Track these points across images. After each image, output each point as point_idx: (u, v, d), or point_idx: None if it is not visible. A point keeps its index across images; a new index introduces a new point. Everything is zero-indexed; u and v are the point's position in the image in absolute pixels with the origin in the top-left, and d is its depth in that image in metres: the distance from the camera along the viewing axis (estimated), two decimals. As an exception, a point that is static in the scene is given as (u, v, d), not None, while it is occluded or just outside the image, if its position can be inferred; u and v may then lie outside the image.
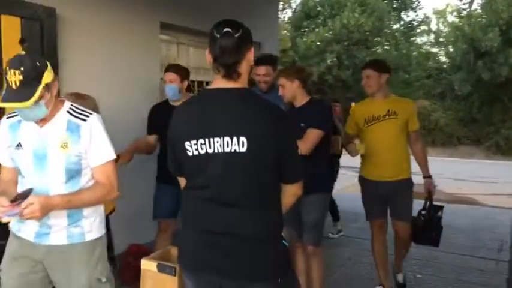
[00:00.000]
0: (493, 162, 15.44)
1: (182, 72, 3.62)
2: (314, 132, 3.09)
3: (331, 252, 4.91)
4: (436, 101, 19.61)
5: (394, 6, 22.91)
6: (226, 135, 1.73)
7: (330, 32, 19.50)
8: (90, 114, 2.08)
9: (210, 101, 1.83)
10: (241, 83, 1.82)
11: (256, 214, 1.79)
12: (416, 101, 19.01)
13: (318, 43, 19.59)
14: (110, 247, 3.08)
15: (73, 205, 2.02)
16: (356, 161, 3.77)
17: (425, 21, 23.23)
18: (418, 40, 23.35)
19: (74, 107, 2.08)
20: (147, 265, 2.51)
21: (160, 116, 3.56)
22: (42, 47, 3.58)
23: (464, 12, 20.74)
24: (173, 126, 1.88)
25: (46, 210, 1.89)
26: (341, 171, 5.76)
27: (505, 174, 12.07)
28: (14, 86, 1.82)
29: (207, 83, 5.65)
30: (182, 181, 1.97)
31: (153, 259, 2.53)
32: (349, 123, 3.73)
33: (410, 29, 23.21)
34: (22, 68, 1.81)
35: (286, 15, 24.13)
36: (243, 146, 1.71)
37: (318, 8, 21.28)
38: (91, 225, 2.12)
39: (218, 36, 1.75)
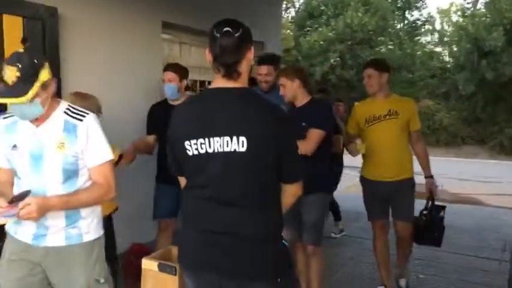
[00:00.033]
0: (497, 162, 15.38)
1: (181, 71, 3.62)
2: (316, 132, 3.09)
3: (333, 252, 4.90)
4: (440, 100, 19.56)
5: (398, 5, 22.90)
6: (226, 135, 1.72)
7: (333, 32, 19.48)
8: (87, 114, 2.07)
9: (210, 100, 1.83)
10: (241, 83, 1.82)
11: (256, 214, 1.79)
12: (420, 101, 19.02)
13: (321, 42, 19.56)
14: (112, 246, 3.09)
15: (71, 206, 2.01)
16: (358, 160, 3.77)
17: (430, 20, 23.20)
18: (422, 39, 23.31)
19: (71, 107, 2.07)
20: (148, 264, 2.52)
21: (159, 116, 3.56)
22: (44, 47, 3.59)
23: (469, 12, 20.68)
24: (173, 126, 1.88)
25: (43, 210, 1.88)
26: (344, 171, 5.76)
27: (509, 174, 12.01)
28: (10, 82, 1.81)
29: (209, 83, 5.64)
30: (182, 181, 1.96)
31: (153, 258, 2.54)
32: (350, 123, 3.71)
33: (414, 29, 23.20)
34: (19, 65, 1.81)
35: (289, 14, 24.16)
36: (242, 145, 1.70)
37: (322, 8, 21.28)
38: (89, 226, 2.11)
39: (218, 35, 1.75)
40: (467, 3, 21.42)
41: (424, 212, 3.61)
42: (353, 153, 3.59)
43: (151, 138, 3.69)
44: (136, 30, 4.56)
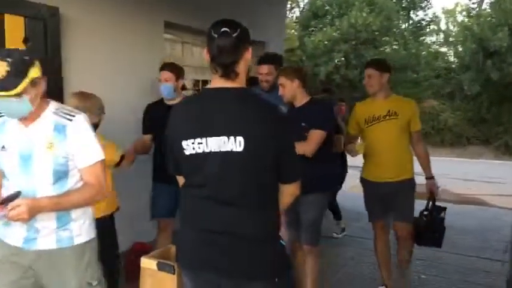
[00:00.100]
0: (502, 162, 15.30)
1: (177, 71, 3.61)
2: (317, 133, 3.09)
3: (334, 252, 4.91)
4: (444, 101, 19.49)
5: (403, 5, 22.81)
6: (223, 135, 1.73)
7: (338, 32, 19.43)
8: (77, 114, 2.04)
9: (207, 100, 1.84)
10: (239, 83, 1.82)
11: (254, 214, 1.80)
12: (425, 101, 18.96)
13: (326, 42, 19.51)
14: (114, 245, 3.11)
15: (61, 207, 1.98)
16: (360, 160, 3.76)
17: (435, 20, 23.11)
18: (427, 40, 23.23)
19: (60, 107, 2.05)
20: (147, 263, 2.51)
21: (155, 115, 3.57)
22: (45, 46, 3.61)
23: (474, 12, 20.59)
24: (171, 126, 1.88)
25: (34, 212, 1.86)
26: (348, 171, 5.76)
27: (514, 174, 11.95)
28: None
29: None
30: (180, 180, 1.98)
31: (152, 257, 2.53)
32: (350, 123, 3.70)
33: (419, 29, 23.10)
34: (9, 59, 1.81)
35: (294, 14, 24.13)
36: (239, 145, 1.71)
37: (326, 8, 21.20)
38: (80, 229, 2.09)
39: (216, 36, 1.76)
40: (473, 3, 21.36)
41: (425, 213, 3.59)
42: (352, 153, 3.58)
43: (147, 138, 3.69)
44: (138, 30, 4.57)
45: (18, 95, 1.82)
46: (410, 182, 3.51)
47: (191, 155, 1.78)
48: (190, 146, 1.77)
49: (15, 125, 1.99)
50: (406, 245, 3.60)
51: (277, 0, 7.36)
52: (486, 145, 17.89)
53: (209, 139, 1.75)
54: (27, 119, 1.96)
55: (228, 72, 1.79)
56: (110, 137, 3.05)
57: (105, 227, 2.95)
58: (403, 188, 3.47)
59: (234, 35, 1.76)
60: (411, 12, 23.37)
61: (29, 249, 2.01)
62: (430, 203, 3.60)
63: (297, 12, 24.21)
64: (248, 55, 1.84)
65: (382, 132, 3.42)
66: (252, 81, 4.21)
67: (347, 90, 17.70)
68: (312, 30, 21.21)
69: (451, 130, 18.41)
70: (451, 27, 21.73)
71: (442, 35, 22.40)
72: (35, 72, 1.88)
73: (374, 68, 3.44)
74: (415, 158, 3.57)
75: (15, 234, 2.02)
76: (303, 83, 3.17)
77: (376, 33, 19.54)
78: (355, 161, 4.79)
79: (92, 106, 2.94)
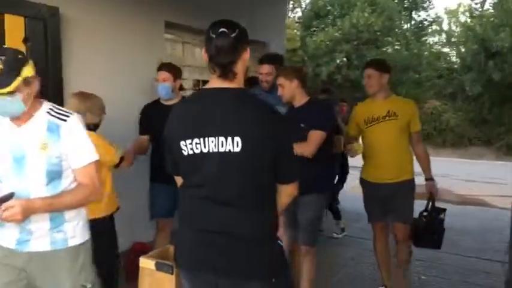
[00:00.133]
0: (503, 163, 15.24)
1: (175, 71, 3.61)
2: (317, 133, 3.09)
3: (335, 252, 4.91)
4: (446, 101, 19.47)
5: (405, 5, 22.79)
6: (221, 135, 1.73)
7: (340, 32, 19.43)
8: (71, 114, 2.03)
9: (205, 100, 1.84)
10: (237, 83, 1.83)
11: (252, 214, 1.80)
12: (427, 101, 18.95)
13: (328, 43, 19.51)
14: (114, 245, 3.11)
15: (55, 208, 1.96)
16: (360, 161, 3.75)
17: (437, 20, 23.09)
18: (429, 40, 23.21)
19: (54, 107, 2.03)
20: (145, 263, 2.51)
21: (152, 116, 3.56)
22: (45, 46, 3.61)
23: (477, 12, 20.56)
24: (169, 126, 1.89)
25: (27, 213, 1.84)
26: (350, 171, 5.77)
27: (516, 175, 11.93)
28: None
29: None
30: (179, 180, 1.98)
31: (151, 257, 2.53)
32: (350, 124, 3.68)
33: (421, 29, 23.07)
34: (2, 58, 1.80)
35: (296, 14, 24.14)
36: (237, 146, 1.71)
37: (328, 8, 21.22)
38: (74, 230, 2.07)
39: (214, 36, 1.77)
40: (475, 3, 21.32)
41: (424, 214, 3.57)
42: (350, 154, 3.57)
43: (145, 138, 3.69)
44: (138, 30, 4.57)
45: (11, 93, 1.81)
46: (410, 183, 3.49)
47: (189, 155, 1.79)
48: (189, 147, 1.78)
49: (8, 126, 1.98)
50: (405, 246, 3.58)
51: (278, 0, 7.35)
52: (488, 146, 17.87)
53: (207, 139, 1.75)
54: (19, 119, 1.95)
55: (226, 72, 1.79)
56: (110, 137, 3.05)
57: (105, 227, 2.97)
58: (403, 189, 3.45)
59: (232, 35, 1.76)
60: (413, 12, 23.33)
61: (22, 251, 1.99)
62: (430, 204, 3.58)
63: (299, 12, 24.24)
64: (246, 55, 1.84)
65: (381, 133, 3.41)
66: (252, 81, 4.22)
67: (349, 91, 17.69)
68: (314, 31, 21.21)
69: (452, 131, 18.40)
70: (454, 28, 21.72)
71: (444, 36, 22.39)
72: (28, 71, 1.88)
73: (374, 69, 3.42)
74: (415, 158, 3.56)
75: (7, 236, 2.00)
76: (302, 83, 3.17)
77: (378, 33, 19.54)
78: (356, 162, 4.80)
79: (92, 106, 2.95)
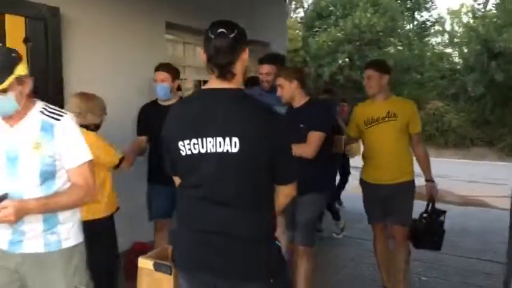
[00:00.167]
0: (505, 164, 15.23)
1: (173, 71, 3.60)
2: (316, 135, 3.08)
3: (335, 253, 4.91)
4: (449, 102, 19.45)
5: (408, 6, 22.77)
6: (218, 136, 1.73)
7: (342, 32, 19.45)
8: (65, 113, 2.01)
9: (203, 101, 1.84)
10: (235, 84, 1.83)
11: (249, 214, 1.80)
12: (429, 102, 18.92)
13: (330, 43, 19.54)
14: (114, 245, 3.12)
15: (49, 209, 1.94)
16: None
17: (439, 21, 23.06)
18: (432, 40, 23.18)
19: (47, 106, 2.01)
20: (144, 263, 2.51)
21: (150, 116, 3.56)
22: (46, 47, 3.62)
23: (479, 13, 20.52)
24: (167, 126, 1.89)
25: (21, 214, 1.82)
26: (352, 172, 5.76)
27: (518, 176, 11.91)
28: None
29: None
30: (177, 180, 1.97)
31: (149, 257, 2.54)
32: (350, 125, 3.67)
33: (423, 30, 23.05)
34: None
35: (298, 15, 24.14)
36: (235, 146, 1.71)
37: (330, 8, 21.25)
38: (68, 232, 2.04)
39: (212, 36, 1.77)
40: (478, 4, 21.30)
41: (424, 215, 3.55)
42: (350, 154, 3.56)
43: (143, 139, 3.67)
44: (139, 31, 4.58)
45: (4, 90, 1.80)
46: (410, 185, 3.47)
47: (187, 155, 1.79)
48: (187, 147, 1.78)
49: (0, 126, 1.96)
50: (403, 248, 3.54)
51: (278, 0, 7.35)
52: (490, 147, 17.84)
53: (205, 140, 1.75)
54: (12, 118, 1.93)
55: (224, 72, 1.79)
56: (110, 137, 3.05)
57: (105, 227, 2.98)
58: (402, 191, 3.42)
59: (231, 35, 1.76)
60: (416, 13, 23.33)
61: (15, 252, 1.96)
62: (430, 205, 3.57)
63: (301, 12, 24.24)
64: (245, 56, 1.84)
65: (381, 134, 3.39)
66: (252, 81, 4.21)
67: (351, 91, 17.69)
68: (316, 31, 21.23)
69: (455, 131, 18.37)
70: (456, 28, 21.70)
71: (446, 36, 22.36)
72: (21, 69, 1.86)
73: (374, 69, 3.40)
74: (415, 159, 3.55)
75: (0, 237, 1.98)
76: (302, 83, 3.16)
77: (381, 34, 19.55)
78: (358, 162, 4.79)
79: (94, 107, 2.94)
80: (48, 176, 1.95)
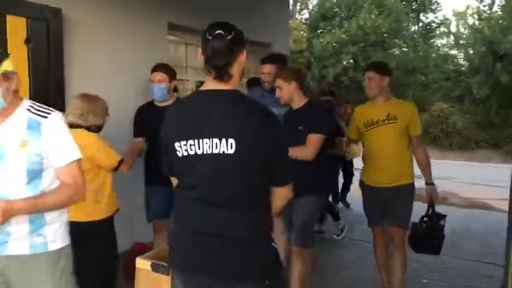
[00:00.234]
0: (511, 166, 15.14)
1: (171, 72, 3.59)
2: (315, 137, 3.08)
3: (335, 254, 4.91)
4: (453, 104, 19.37)
5: (413, 7, 22.73)
6: (215, 137, 1.74)
7: (346, 33, 19.43)
8: (52, 111, 1.96)
9: (200, 102, 1.84)
10: (232, 85, 1.83)
11: (245, 215, 1.80)
12: (434, 104, 18.85)
13: (334, 44, 19.52)
14: (113, 246, 3.12)
15: (38, 209, 1.89)
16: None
17: (445, 23, 22.99)
18: (437, 42, 23.12)
19: (34, 104, 1.96)
20: (142, 264, 2.52)
21: (146, 117, 3.54)
22: (48, 47, 3.63)
23: (485, 15, 20.45)
24: (165, 127, 1.89)
25: (8, 215, 1.78)
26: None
27: (523, 178, 11.82)
28: None
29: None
30: (174, 181, 1.98)
31: (147, 258, 2.54)
32: (350, 127, 3.65)
33: (429, 31, 22.99)
34: None
35: (303, 16, 24.14)
36: (231, 147, 1.72)
37: (335, 9, 21.24)
38: (55, 234, 1.99)
39: (210, 38, 1.77)
40: (484, 5, 21.21)
41: (425, 219, 3.52)
42: (349, 156, 3.55)
43: (139, 140, 3.62)
44: (141, 32, 4.58)
45: None
46: (410, 187, 3.44)
47: (184, 156, 1.79)
48: (183, 148, 1.78)
49: None
50: (399, 250, 3.51)
51: (281, 1, 7.35)
52: (495, 149, 17.74)
53: (201, 141, 1.75)
54: None
55: (221, 74, 1.79)
56: (111, 138, 3.06)
57: (105, 228, 2.99)
58: (402, 194, 3.40)
59: (228, 37, 1.77)
60: (421, 14, 23.27)
61: (0, 254, 1.91)
62: (430, 209, 3.54)
63: (305, 13, 24.26)
64: (242, 58, 1.84)
65: (381, 137, 3.36)
66: (253, 81, 4.21)
67: (355, 92, 17.65)
68: (321, 32, 21.23)
69: (459, 133, 18.29)
70: (462, 30, 21.63)
71: (452, 38, 22.29)
72: (7, 65, 1.84)
73: (374, 71, 3.38)
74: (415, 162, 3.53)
75: None
76: (301, 85, 3.15)
77: (385, 35, 19.51)
78: (361, 164, 4.79)
79: (96, 108, 2.95)
80: (35, 174, 1.91)
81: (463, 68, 20.60)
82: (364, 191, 3.62)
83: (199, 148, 1.76)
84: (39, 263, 1.96)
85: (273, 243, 1.90)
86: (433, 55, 21.45)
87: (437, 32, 23.29)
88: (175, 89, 3.71)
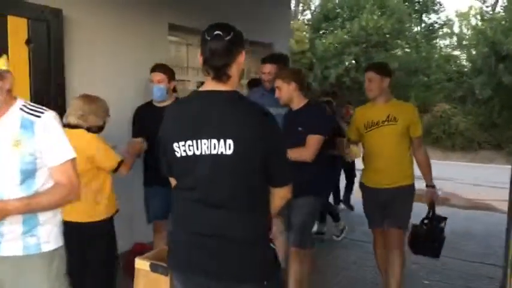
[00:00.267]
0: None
1: (170, 72, 3.59)
2: (315, 138, 3.08)
3: (335, 254, 4.91)
4: (456, 104, 19.31)
5: (416, 8, 22.68)
6: (213, 138, 1.74)
7: (349, 34, 19.40)
8: (45, 111, 1.94)
9: (199, 103, 1.85)
10: (230, 86, 1.83)
11: (244, 216, 1.80)
12: (436, 105, 18.81)
13: (337, 45, 19.49)
14: (113, 247, 3.12)
15: (32, 209, 1.87)
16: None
17: (448, 23, 22.95)
18: (440, 43, 23.06)
19: (28, 103, 1.95)
20: (141, 264, 2.52)
21: (145, 118, 3.55)
22: (48, 48, 3.63)
23: (488, 15, 20.41)
24: (163, 128, 1.90)
25: (1, 215, 1.78)
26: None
27: (526, 180, 11.79)
28: None
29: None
30: (173, 181, 1.98)
31: (146, 258, 2.54)
32: (350, 128, 3.64)
33: (431, 32, 22.94)
34: None
35: (305, 16, 24.13)
36: (229, 148, 1.72)
37: (337, 10, 21.21)
38: (48, 236, 1.97)
39: (209, 38, 1.78)
40: (487, 6, 21.17)
41: (425, 221, 3.51)
42: (349, 157, 3.54)
43: (138, 140, 3.56)
44: (142, 32, 4.58)
45: None
46: (410, 188, 3.43)
47: (182, 157, 1.79)
48: (182, 148, 1.78)
49: None
50: (398, 251, 3.45)
51: (283, 1, 7.35)
52: (498, 150, 17.68)
53: (200, 142, 1.75)
54: None
55: (220, 75, 1.80)
56: (111, 138, 3.06)
57: (105, 229, 3.00)
58: (402, 195, 3.38)
59: (227, 38, 1.77)
60: (423, 15, 23.22)
61: None
62: (431, 211, 3.52)
63: (308, 14, 24.24)
64: (241, 58, 1.85)
65: (381, 138, 3.35)
66: (254, 82, 4.20)
67: (357, 93, 17.62)
68: (323, 33, 21.20)
69: (462, 134, 18.23)
70: (465, 31, 21.58)
71: (455, 39, 22.24)
72: (1, 63, 1.84)
73: (375, 72, 3.36)
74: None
75: None
76: (300, 85, 3.15)
77: (388, 36, 19.48)
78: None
79: (97, 109, 2.95)
80: (28, 174, 1.89)
81: (466, 69, 20.55)
82: (364, 193, 3.60)
83: (197, 149, 1.76)
84: (33, 264, 1.94)
85: (271, 244, 1.89)
86: (436, 56, 21.39)
87: (440, 33, 23.21)
88: (174, 90, 3.71)
